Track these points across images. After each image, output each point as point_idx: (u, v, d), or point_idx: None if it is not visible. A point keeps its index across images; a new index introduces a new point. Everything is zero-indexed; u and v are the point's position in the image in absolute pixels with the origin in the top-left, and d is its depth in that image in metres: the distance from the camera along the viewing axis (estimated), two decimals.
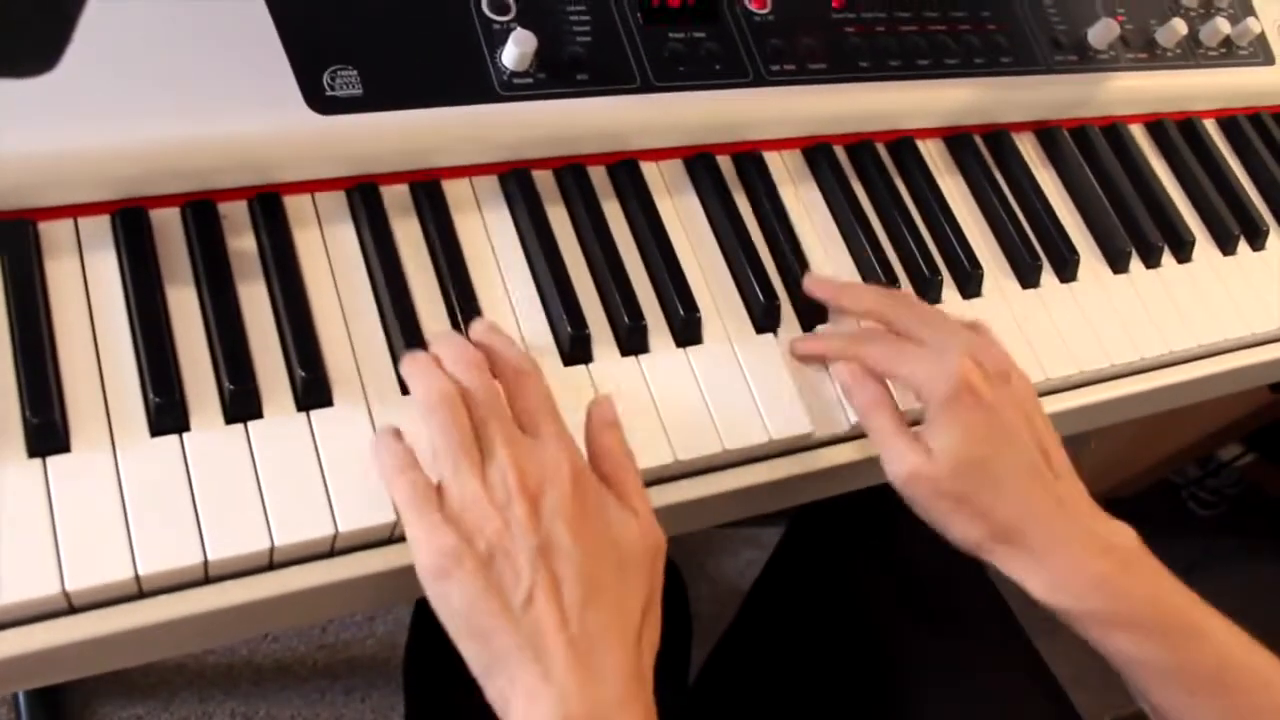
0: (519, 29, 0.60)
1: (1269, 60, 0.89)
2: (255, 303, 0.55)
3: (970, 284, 0.71)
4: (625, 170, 0.66)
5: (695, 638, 0.86)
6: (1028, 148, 0.81)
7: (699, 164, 0.68)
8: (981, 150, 0.78)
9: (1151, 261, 0.79)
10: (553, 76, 0.62)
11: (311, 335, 0.54)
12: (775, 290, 0.65)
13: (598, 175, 0.66)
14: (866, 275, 0.69)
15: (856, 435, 0.63)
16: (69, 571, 0.45)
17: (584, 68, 0.63)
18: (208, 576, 0.49)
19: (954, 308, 0.70)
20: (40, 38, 0.52)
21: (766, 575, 0.92)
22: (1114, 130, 0.84)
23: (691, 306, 0.62)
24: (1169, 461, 1.63)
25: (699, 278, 0.64)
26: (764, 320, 0.64)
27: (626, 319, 0.60)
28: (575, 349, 0.59)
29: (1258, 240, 0.85)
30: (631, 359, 0.60)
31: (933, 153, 0.77)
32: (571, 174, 0.64)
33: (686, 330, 0.62)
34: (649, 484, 0.58)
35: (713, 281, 0.65)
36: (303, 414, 0.53)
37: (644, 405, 0.59)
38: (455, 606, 0.45)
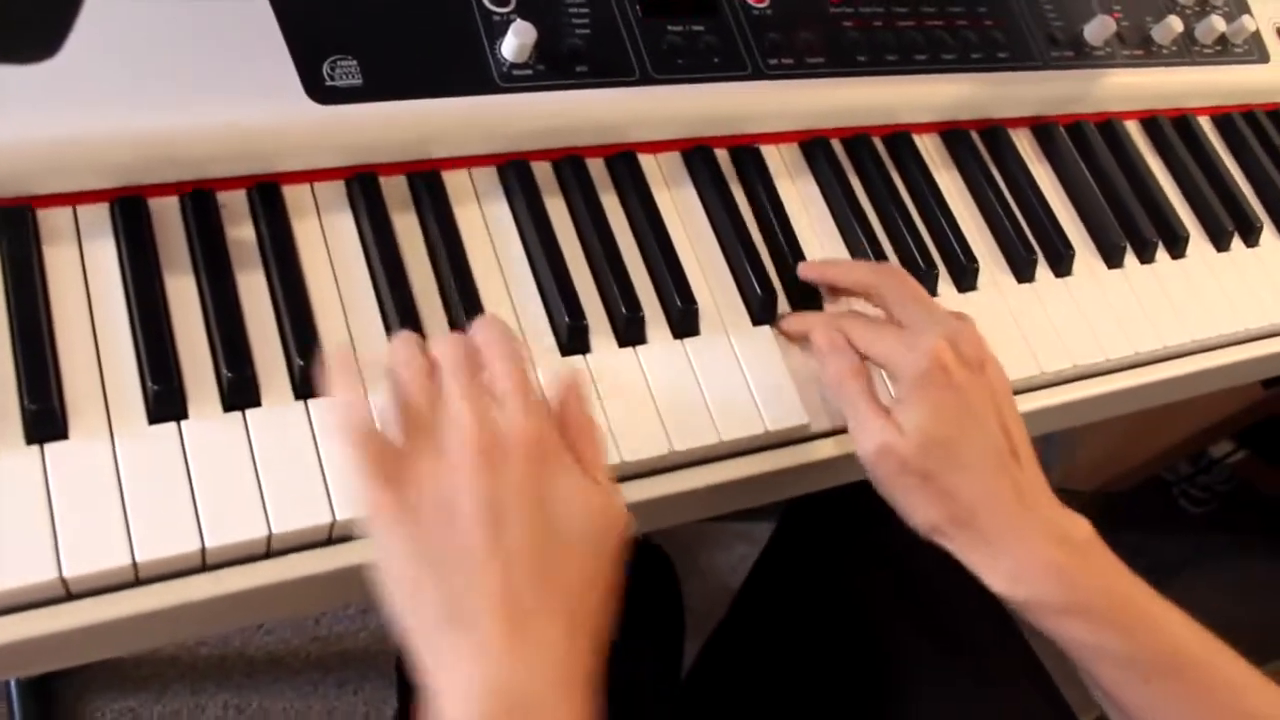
0: (519, 20, 0.61)
1: (1264, 58, 0.89)
2: (254, 291, 0.55)
3: (966, 278, 0.72)
4: (623, 162, 0.66)
5: (688, 632, 0.86)
6: (1023, 143, 0.81)
7: (697, 156, 0.68)
8: (978, 145, 0.79)
9: (1146, 257, 0.79)
10: (552, 68, 0.62)
11: (310, 324, 0.54)
12: (772, 283, 0.65)
13: (596, 167, 0.66)
14: None
15: None
16: (66, 558, 0.46)
17: (583, 60, 0.63)
18: (205, 564, 0.49)
19: (949, 301, 0.71)
20: (43, 25, 0.52)
21: (759, 570, 0.92)
22: (1109, 126, 0.85)
23: (689, 298, 0.62)
24: (1161, 458, 1.64)
25: (696, 270, 0.65)
26: (760, 312, 0.64)
27: (624, 310, 0.60)
28: (573, 339, 0.59)
29: (1251, 237, 0.85)
30: (629, 350, 0.61)
31: (929, 147, 0.77)
32: (570, 165, 0.65)
33: (684, 322, 0.62)
34: (645, 475, 0.58)
35: (710, 274, 0.65)
36: (300, 402, 0.53)
37: (641, 396, 0.59)
38: (391, 569, 0.44)
